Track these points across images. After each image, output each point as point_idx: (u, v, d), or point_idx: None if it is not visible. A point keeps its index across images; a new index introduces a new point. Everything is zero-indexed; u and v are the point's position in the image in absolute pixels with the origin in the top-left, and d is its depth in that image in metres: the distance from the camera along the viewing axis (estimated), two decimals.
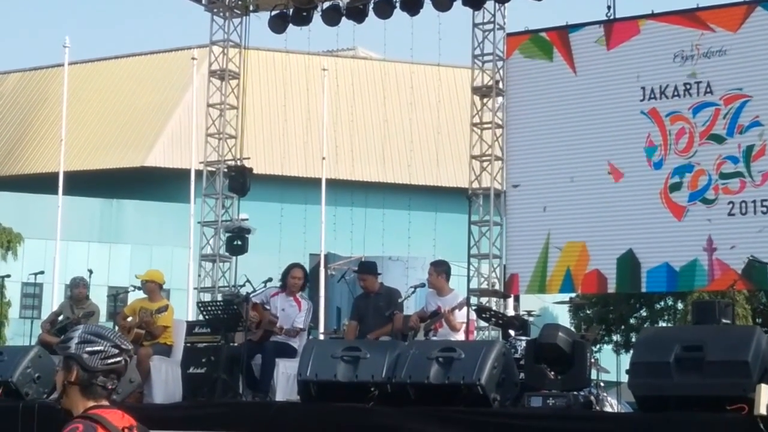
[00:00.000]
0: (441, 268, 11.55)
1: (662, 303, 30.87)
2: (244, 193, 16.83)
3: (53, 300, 25.40)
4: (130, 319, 12.27)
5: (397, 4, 15.36)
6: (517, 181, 14.69)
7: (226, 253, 16.79)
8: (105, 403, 3.73)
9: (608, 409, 10.25)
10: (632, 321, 31.13)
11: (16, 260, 29.53)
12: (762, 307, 29.27)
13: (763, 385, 7.96)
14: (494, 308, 13.61)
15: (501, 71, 15.33)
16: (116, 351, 3.76)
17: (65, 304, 13.31)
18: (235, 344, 11.44)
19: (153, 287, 12.35)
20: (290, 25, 16.21)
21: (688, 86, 13.67)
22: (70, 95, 28.63)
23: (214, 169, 17.28)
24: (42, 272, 16.73)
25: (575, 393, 9.48)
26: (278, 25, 16.25)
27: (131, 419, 3.75)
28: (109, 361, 3.75)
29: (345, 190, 31.32)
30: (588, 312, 29.68)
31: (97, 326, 3.91)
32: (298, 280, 11.75)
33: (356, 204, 29.99)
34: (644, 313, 31.31)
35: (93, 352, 3.72)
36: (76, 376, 3.72)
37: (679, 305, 29.61)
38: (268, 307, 11.68)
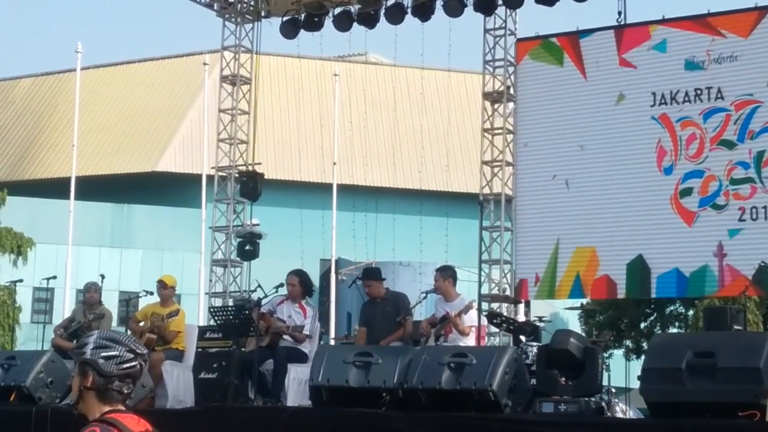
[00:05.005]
0: (447, 273, 11.59)
1: (671, 308, 30.78)
2: (256, 199, 16.87)
3: (65, 305, 25.46)
4: (142, 323, 12.33)
5: (409, 10, 15.39)
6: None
7: (238, 258, 16.84)
8: (121, 407, 3.76)
9: (619, 415, 10.24)
10: (643, 326, 31.04)
11: (26, 265, 29.58)
12: None
13: None
14: (505, 314, 13.62)
15: (512, 77, 15.34)
16: (131, 356, 3.79)
17: (78, 309, 13.38)
18: (246, 350, 11.47)
19: (170, 292, 12.47)
20: (302, 30, 16.25)
21: (698, 92, 13.67)
22: (82, 100, 28.70)
23: (225, 174, 17.33)
24: (55, 277, 16.77)
25: (587, 399, 9.49)
26: (290, 30, 16.29)
27: (147, 424, 3.77)
28: (125, 365, 3.77)
29: (356, 195, 31.32)
30: (599, 318, 29.60)
31: (112, 331, 3.94)
32: (293, 287, 11.75)
33: (368, 209, 29.97)
34: (653, 318, 31.22)
35: (108, 357, 3.75)
36: (92, 382, 3.74)
37: (690, 312, 29.52)
38: (276, 315, 11.70)
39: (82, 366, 3.76)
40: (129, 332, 11.96)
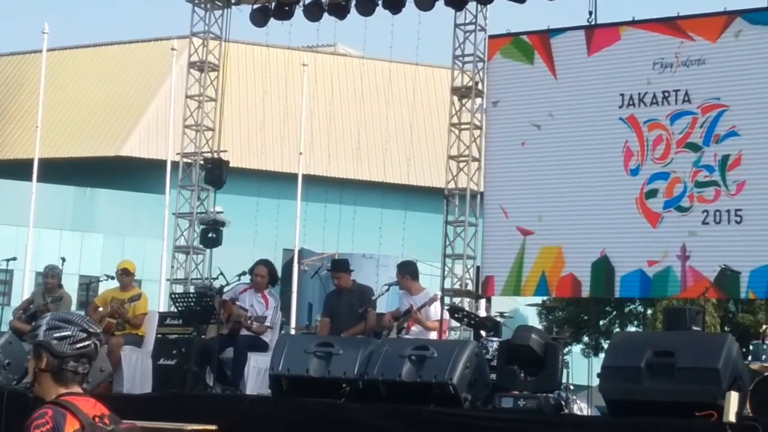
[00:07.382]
0: (404, 270, 11.56)
1: (630, 306, 30.99)
2: (220, 186, 16.78)
3: (24, 287, 25.23)
4: (101, 309, 12.20)
5: (380, 2, 15.34)
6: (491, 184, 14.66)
7: (200, 246, 16.75)
8: (77, 390, 3.72)
9: (577, 412, 10.27)
10: (601, 324, 31.25)
11: None
12: (730, 316, 29.43)
13: (732, 393, 8.02)
14: (467, 308, 13.63)
15: (481, 72, 15.35)
16: (84, 335, 3.77)
17: (37, 291, 13.24)
18: (206, 337, 11.40)
19: (130, 279, 12.36)
20: (272, 19, 16.17)
21: (666, 94, 13.71)
22: (47, 82, 28.43)
23: (190, 161, 17.22)
24: (14, 258, 16.59)
25: (546, 395, 9.51)
26: (260, 18, 16.21)
27: (103, 408, 3.73)
28: (78, 345, 3.75)
29: (319, 185, 31.28)
30: (559, 314, 29.77)
31: (65, 312, 3.92)
32: (262, 278, 11.66)
33: (330, 200, 29.93)
34: (612, 316, 31.43)
35: (61, 337, 3.73)
36: (46, 363, 3.72)
37: (649, 312, 29.73)
38: (238, 303, 11.63)
39: (37, 348, 3.75)
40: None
